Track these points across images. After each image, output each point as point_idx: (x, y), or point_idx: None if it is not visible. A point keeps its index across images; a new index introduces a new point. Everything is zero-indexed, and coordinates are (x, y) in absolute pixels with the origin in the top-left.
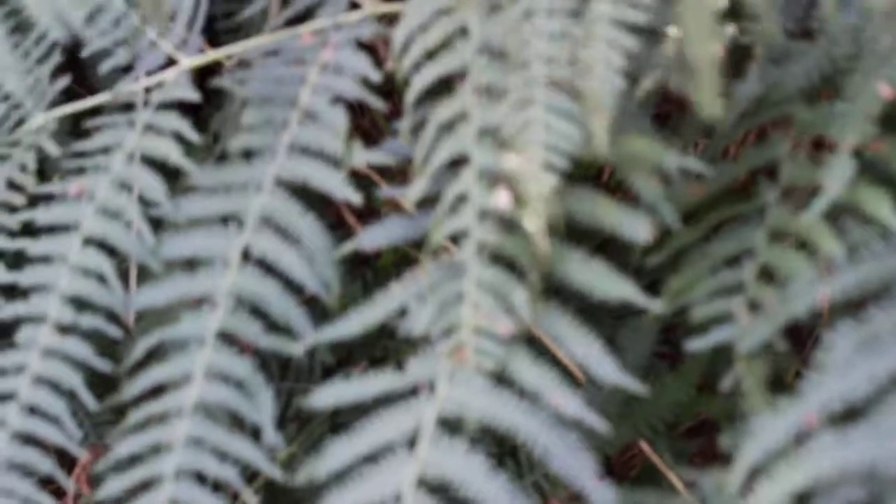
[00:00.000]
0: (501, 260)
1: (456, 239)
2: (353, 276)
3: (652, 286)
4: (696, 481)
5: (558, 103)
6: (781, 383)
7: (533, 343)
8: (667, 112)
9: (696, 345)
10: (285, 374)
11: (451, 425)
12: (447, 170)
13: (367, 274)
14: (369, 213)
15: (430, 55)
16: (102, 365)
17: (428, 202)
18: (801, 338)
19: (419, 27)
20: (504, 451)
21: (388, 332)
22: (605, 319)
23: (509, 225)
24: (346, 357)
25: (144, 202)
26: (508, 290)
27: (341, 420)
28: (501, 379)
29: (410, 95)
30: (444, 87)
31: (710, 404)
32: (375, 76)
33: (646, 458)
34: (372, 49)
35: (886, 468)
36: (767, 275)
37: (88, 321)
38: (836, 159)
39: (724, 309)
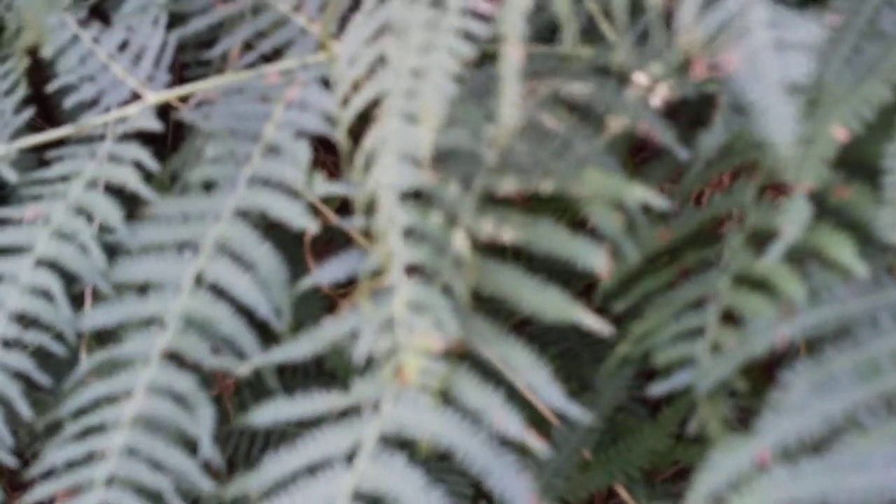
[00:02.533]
0: (434, 281)
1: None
2: None
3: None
4: None
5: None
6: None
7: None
8: (642, 160)
9: (659, 388)
10: None
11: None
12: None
13: None
14: None
15: (356, 87)
16: (43, 379)
17: None
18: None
19: (348, 61)
20: (480, 493)
21: None
22: (585, 361)
23: (440, 246)
24: None
25: (101, 228)
26: (436, 307)
27: None
28: (448, 399)
29: (342, 128)
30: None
31: (687, 453)
32: None
33: None
34: None
35: (837, 502)
36: (730, 318)
37: (34, 338)
38: (792, 203)
39: (688, 353)
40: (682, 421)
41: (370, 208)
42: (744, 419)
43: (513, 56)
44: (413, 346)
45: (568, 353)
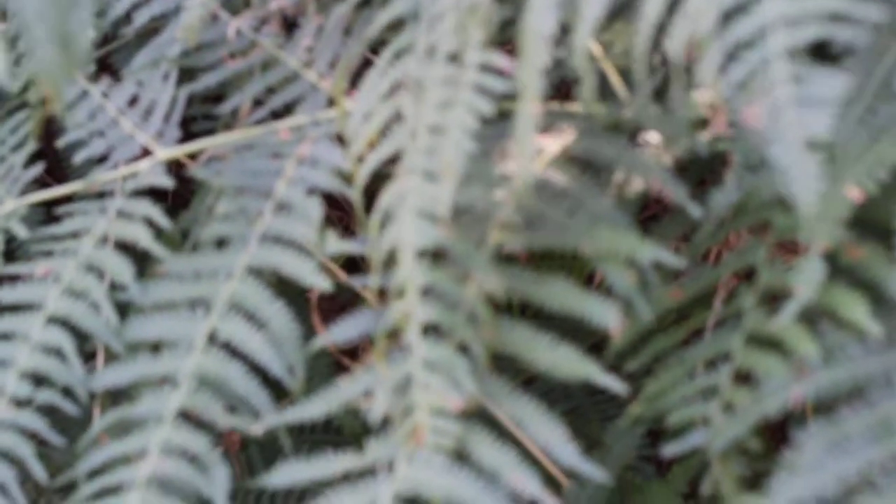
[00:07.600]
0: (449, 339)
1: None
2: None
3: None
4: None
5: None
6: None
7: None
8: (653, 215)
9: (672, 449)
10: None
11: None
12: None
13: None
14: None
15: (372, 144)
16: (56, 439)
17: None
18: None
19: (363, 117)
20: None
21: None
22: (593, 419)
23: (453, 303)
24: None
25: (112, 285)
26: (453, 366)
27: None
28: (462, 458)
29: (357, 186)
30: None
31: None
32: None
33: None
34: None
35: None
36: (743, 378)
37: (46, 396)
38: (806, 263)
39: (701, 413)
40: (691, 480)
41: (385, 266)
42: (756, 479)
43: (529, 112)
44: (429, 406)
45: (575, 410)
